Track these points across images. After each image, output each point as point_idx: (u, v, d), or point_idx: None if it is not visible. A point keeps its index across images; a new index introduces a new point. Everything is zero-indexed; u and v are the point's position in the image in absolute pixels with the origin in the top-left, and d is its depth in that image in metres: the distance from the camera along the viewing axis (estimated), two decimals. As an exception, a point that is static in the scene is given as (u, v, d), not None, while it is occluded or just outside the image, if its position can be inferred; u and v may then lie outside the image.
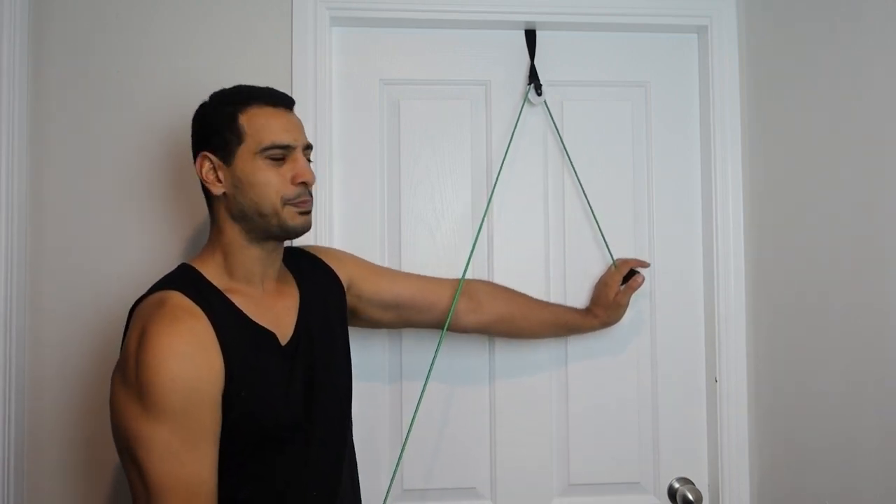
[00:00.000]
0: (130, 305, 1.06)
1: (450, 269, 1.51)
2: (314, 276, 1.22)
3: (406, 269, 1.50)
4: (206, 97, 1.14)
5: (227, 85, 1.43)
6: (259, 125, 1.07)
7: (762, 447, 1.48)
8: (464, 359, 1.51)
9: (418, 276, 1.38)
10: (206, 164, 1.08)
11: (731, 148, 1.53)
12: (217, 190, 1.08)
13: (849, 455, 1.23)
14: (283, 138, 1.07)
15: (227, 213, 1.09)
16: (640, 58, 1.58)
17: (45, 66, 1.40)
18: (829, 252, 1.28)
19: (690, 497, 1.48)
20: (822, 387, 1.30)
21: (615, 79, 1.58)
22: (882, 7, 1.17)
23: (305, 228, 1.10)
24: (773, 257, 1.45)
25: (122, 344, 1.03)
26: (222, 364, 0.99)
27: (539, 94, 1.52)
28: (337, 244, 1.46)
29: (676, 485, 1.52)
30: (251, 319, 1.07)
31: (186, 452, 0.95)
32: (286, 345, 1.10)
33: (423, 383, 1.34)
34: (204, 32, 1.44)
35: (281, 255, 1.15)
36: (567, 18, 1.52)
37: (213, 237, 1.11)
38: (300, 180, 1.07)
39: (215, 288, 1.06)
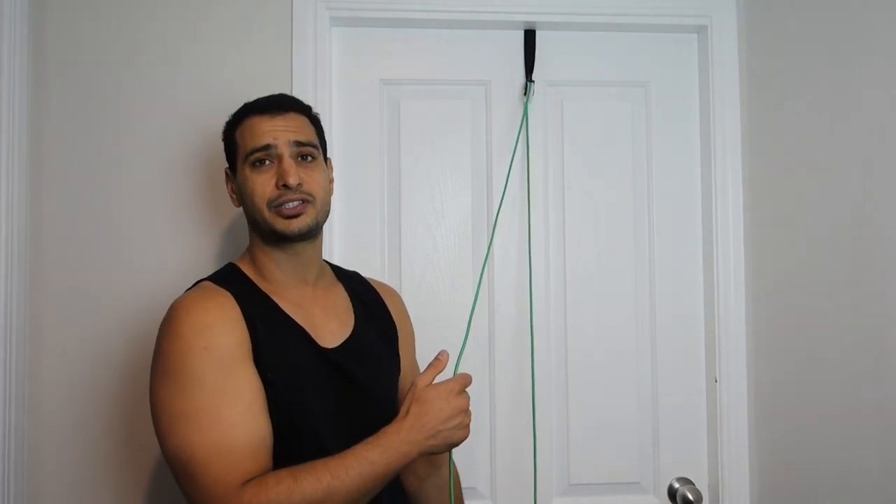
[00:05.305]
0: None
1: (449, 269, 1.52)
2: (374, 309, 1.23)
3: (406, 268, 1.51)
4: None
5: (228, 85, 1.43)
6: (247, 135, 1.08)
7: (762, 447, 1.48)
8: (464, 359, 1.51)
9: None
10: (227, 180, 1.16)
11: (731, 148, 1.53)
12: (235, 203, 1.14)
13: (849, 455, 1.23)
14: (261, 140, 1.06)
15: (247, 220, 1.13)
16: (640, 58, 1.58)
17: (45, 68, 1.40)
18: (828, 252, 1.28)
19: (690, 497, 1.48)
20: (822, 387, 1.30)
21: (615, 79, 1.58)
22: (882, 7, 1.17)
23: (294, 232, 1.06)
24: (772, 257, 1.45)
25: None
26: (248, 338, 1.00)
27: (531, 93, 1.52)
28: (337, 244, 1.47)
29: (676, 485, 1.52)
30: (286, 313, 1.07)
31: (238, 415, 0.93)
32: (332, 349, 1.09)
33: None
34: (204, 33, 1.44)
35: (315, 260, 1.14)
36: (567, 18, 1.52)
37: (249, 242, 1.15)
38: (281, 182, 1.05)
39: (254, 284, 1.08)
